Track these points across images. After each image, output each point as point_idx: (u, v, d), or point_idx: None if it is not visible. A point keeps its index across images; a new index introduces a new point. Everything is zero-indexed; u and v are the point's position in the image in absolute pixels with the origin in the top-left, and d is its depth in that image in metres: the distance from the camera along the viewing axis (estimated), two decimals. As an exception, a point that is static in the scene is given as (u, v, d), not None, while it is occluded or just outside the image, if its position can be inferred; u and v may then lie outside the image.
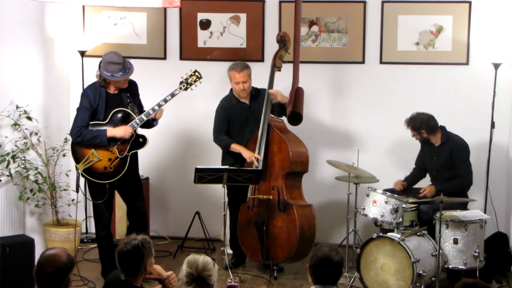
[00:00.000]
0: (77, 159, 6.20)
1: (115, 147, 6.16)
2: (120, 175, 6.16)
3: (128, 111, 6.20)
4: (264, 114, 6.68)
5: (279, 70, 6.80)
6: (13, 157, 6.45)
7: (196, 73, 6.38)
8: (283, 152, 6.61)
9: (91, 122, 6.16)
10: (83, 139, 6.12)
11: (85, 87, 7.47)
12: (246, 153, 6.66)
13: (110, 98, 6.21)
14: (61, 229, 7.00)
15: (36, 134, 6.76)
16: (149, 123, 6.34)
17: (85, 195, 6.45)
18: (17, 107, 6.52)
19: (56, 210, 7.02)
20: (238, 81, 6.73)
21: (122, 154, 6.17)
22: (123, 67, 6.09)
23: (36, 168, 6.68)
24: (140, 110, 6.34)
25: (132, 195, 6.39)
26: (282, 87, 6.78)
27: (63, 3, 6.32)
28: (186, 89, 6.36)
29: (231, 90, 6.86)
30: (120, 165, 6.17)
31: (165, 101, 6.23)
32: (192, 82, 6.36)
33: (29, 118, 6.62)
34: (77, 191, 6.24)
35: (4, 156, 6.38)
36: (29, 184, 6.69)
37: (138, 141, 6.22)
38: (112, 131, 6.14)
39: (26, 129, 6.67)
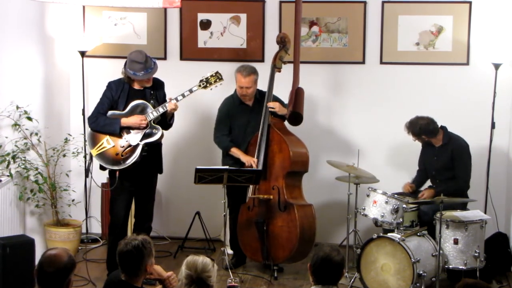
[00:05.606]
0: (92, 144, 6.32)
1: (129, 134, 6.23)
2: (130, 162, 6.20)
3: (146, 102, 6.28)
4: (264, 115, 6.69)
5: (279, 71, 6.80)
6: (14, 157, 6.44)
7: (218, 74, 6.45)
8: (284, 152, 6.61)
9: (109, 112, 6.29)
10: (97, 125, 6.28)
11: (85, 87, 7.54)
12: (244, 158, 6.67)
13: (133, 93, 6.34)
14: (61, 229, 7.00)
15: (36, 134, 6.76)
16: (165, 123, 6.38)
17: (94, 180, 6.47)
18: (17, 107, 6.52)
19: (56, 210, 7.02)
20: (242, 86, 6.73)
21: (134, 142, 6.23)
22: (145, 67, 6.22)
23: (37, 169, 6.68)
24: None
25: (144, 198, 6.47)
26: (282, 87, 6.78)
27: (63, 3, 6.32)
28: (205, 87, 6.42)
29: (236, 90, 6.86)
30: (131, 153, 6.23)
31: (183, 96, 6.31)
32: (212, 82, 6.42)
33: (29, 118, 6.62)
34: (87, 175, 6.36)
35: (5, 156, 6.38)
36: (29, 184, 6.69)
37: (152, 132, 6.26)
38: (126, 120, 6.24)
39: (26, 129, 6.67)
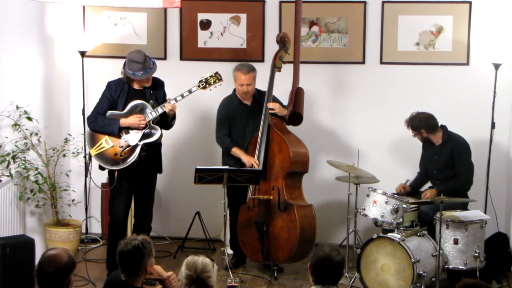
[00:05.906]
0: (91, 144, 6.34)
1: (128, 135, 6.24)
2: (129, 163, 6.21)
3: (145, 102, 6.29)
4: (264, 115, 6.69)
5: (279, 71, 6.80)
6: (14, 158, 6.44)
7: (217, 75, 6.45)
8: (284, 152, 6.61)
9: (108, 112, 6.30)
10: (96, 125, 6.29)
11: (85, 87, 7.54)
12: (245, 158, 6.68)
13: (132, 93, 6.35)
14: (61, 229, 7.00)
15: (36, 134, 6.76)
16: (166, 123, 6.39)
17: (93, 180, 6.51)
18: (17, 107, 6.52)
19: (56, 211, 7.02)
20: (242, 83, 6.73)
21: (133, 142, 6.25)
22: (144, 67, 6.22)
23: (36, 169, 6.68)
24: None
25: (144, 197, 6.48)
26: (282, 87, 6.79)
27: (63, 3, 6.33)
28: (204, 87, 6.43)
29: (234, 90, 6.86)
30: (130, 153, 6.24)
31: (182, 96, 6.32)
32: (212, 82, 6.42)
33: (29, 119, 6.61)
34: (86, 175, 6.42)
35: (5, 157, 6.38)
36: (29, 184, 6.69)
37: (151, 132, 6.27)
38: (125, 120, 6.25)
39: (26, 129, 6.67)
